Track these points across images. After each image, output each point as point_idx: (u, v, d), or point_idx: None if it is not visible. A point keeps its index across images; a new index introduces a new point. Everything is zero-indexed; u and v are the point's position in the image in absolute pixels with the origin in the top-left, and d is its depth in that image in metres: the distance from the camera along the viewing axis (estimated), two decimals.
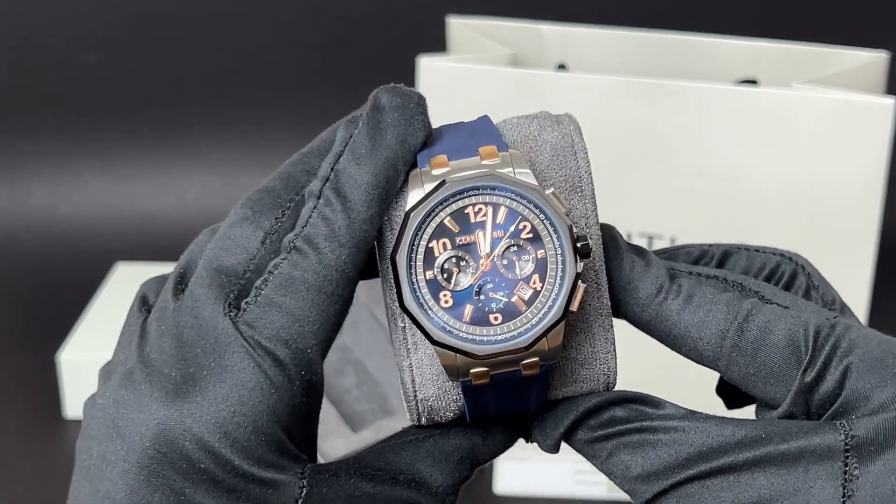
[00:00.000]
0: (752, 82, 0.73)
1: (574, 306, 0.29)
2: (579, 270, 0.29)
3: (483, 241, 0.30)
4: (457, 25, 0.76)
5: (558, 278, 0.29)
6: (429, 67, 0.69)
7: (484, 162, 0.30)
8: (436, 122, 0.32)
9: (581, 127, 0.33)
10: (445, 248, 0.29)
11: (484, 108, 0.69)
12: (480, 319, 0.29)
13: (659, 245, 0.69)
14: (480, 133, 0.31)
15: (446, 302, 0.29)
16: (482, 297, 0.29)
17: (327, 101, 1.04)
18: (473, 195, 0.30)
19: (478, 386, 0.29)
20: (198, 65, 1.04)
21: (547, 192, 0.30)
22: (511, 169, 0.30)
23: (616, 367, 0.32)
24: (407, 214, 0.29)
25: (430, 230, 0.29)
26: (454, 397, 0.31)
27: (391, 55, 0.97)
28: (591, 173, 0.33)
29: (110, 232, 1.01)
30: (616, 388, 0.32)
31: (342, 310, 0.30)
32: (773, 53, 0.73)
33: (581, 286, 0.29)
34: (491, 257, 0.30)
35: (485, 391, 0.30)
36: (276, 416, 0.28)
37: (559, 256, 0.29)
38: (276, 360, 0.28)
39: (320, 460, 0.30)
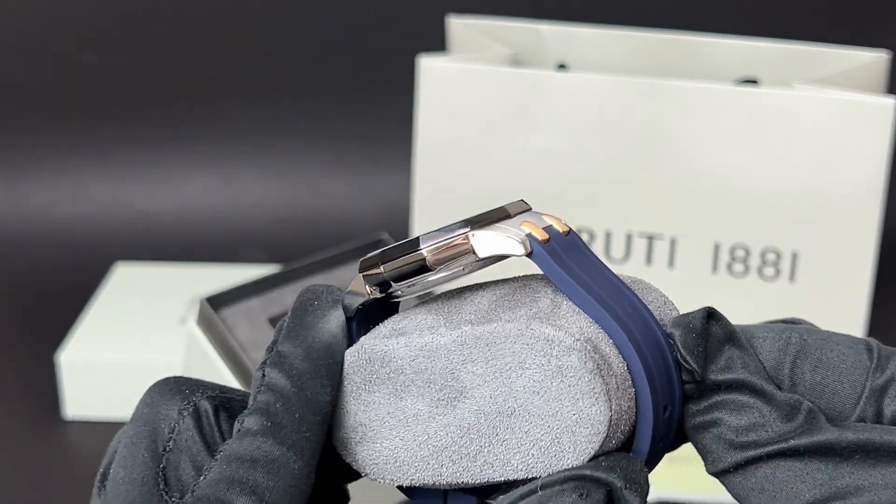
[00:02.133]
0: (753, 82, 0.73)
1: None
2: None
3: None
4: (457, 25, 0.76)
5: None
6: (429, 67, 0.69)
7: None
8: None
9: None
10: None
11: (484, 107, 0.69)
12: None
13: (659, 245, 0.69)
14: None
15: None
16: None
17: (327, 100, 1.04)
18: None
19: None
20: (198, 65, 1.04)
21: None
22: None
23: None
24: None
25: None
26: None
27: (391, 55, 0.98)
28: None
29: (110, 232, 1.01)
30: None
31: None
32: (774, 53, 0.73)
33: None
34: None
35: None
36: None
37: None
38: None
39: None
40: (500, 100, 0.68)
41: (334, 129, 1.04)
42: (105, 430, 0.74)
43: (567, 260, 0.28)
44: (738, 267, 0.68)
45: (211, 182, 1.04)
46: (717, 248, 0.68)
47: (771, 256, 0.67)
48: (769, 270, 0.67)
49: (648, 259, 0.69)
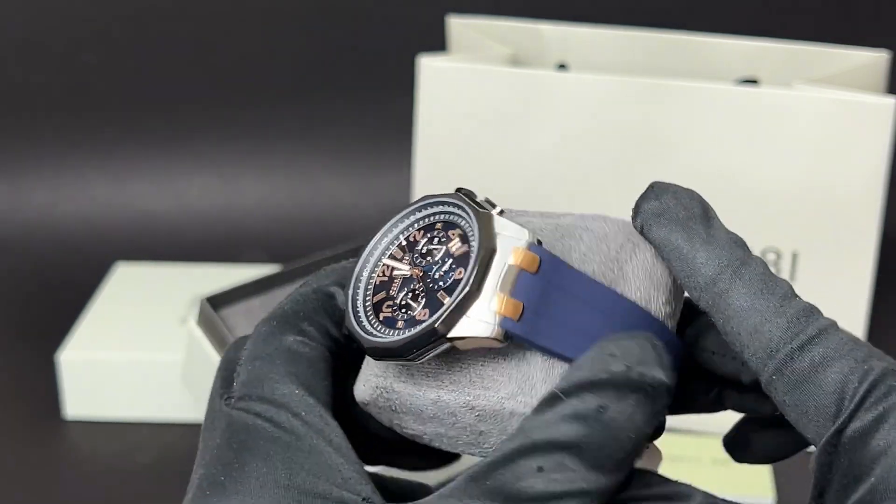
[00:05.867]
0: (753, 82, 0.73)
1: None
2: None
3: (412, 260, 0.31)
4: (457, 25, 0.76)
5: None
6: (429, 67, 0.69)
7: None
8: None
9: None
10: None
11: (484, 107, 0.69)
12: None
13: None
14: None
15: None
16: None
17: (327, 100, 1.04)
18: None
19: None
20: (198, 65, 1.04)
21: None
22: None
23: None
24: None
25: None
26: None
27: (391, 55, 0.97)
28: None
29: (110, 232, 1.01)
30: None
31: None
32: (774, 53, 0.73)
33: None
34: (420, 270, 0.30)
35: None
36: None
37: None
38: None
39: None
40: (500, 100, 0.68)
41: (334, 129, 1.04)
42: (105, 430, 0.74)
43: (544, 324, 0.28)
44: None
45: (211, 182, 1.04)
46: None
47: (771, 256, 0.67)
48: None
49: None
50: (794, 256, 0.67)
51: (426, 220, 0.31)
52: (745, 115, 0.66)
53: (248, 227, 1.02)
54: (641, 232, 0.30)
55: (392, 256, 0.31)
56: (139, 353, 0.74)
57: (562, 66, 0.76)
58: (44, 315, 0.89)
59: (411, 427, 0.31)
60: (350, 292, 0.30)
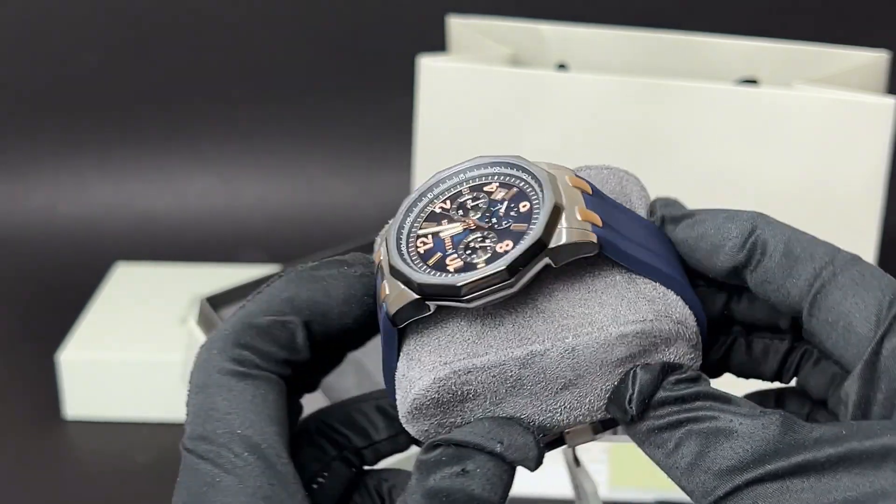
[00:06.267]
0: (753, 82, 0.73)
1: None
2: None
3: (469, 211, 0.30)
4: (457, 25, 0.76)
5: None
6: (429, 67, 0.69)
7: None
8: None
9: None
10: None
11: (484, 107, 0.69)
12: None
13: None
14: None
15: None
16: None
17: (327, 100, 1.04)
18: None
19: None
20: (198, 65, 1.04)
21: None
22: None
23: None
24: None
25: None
26: None
27: (391, 55, 0.97)
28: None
29: (110, 232, 1.01)
30: None
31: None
32: (774, 53, 0.73)
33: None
34: (475, 220, 0.29)
35: None
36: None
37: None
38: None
39: None
40: (500, 100, 0.68)
41: (334, 129, 1.04)
42: (105, 430, 0.75)
43: (623, 233, 0.29)
44: None
45: (211, 182, 1.04)
46: None
47: None
48: None
49: None
50: None
51: (449, 191, 0.31)
52: (745, 115, 0.66)
53: (248, 227, 1.02)
54: None
55: (424, 227, 0.30)
56: (139, 353, 0.74)
57: (562, 66, 0.76)
58: (44, 315, 0.89)
59: (483, 413, 0.28)
60: (400, 263, 0.29)
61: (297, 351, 0.30)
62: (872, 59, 0.70)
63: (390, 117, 0.97)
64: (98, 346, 0.75)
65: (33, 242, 1.00)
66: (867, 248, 0.66)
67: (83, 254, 0.99)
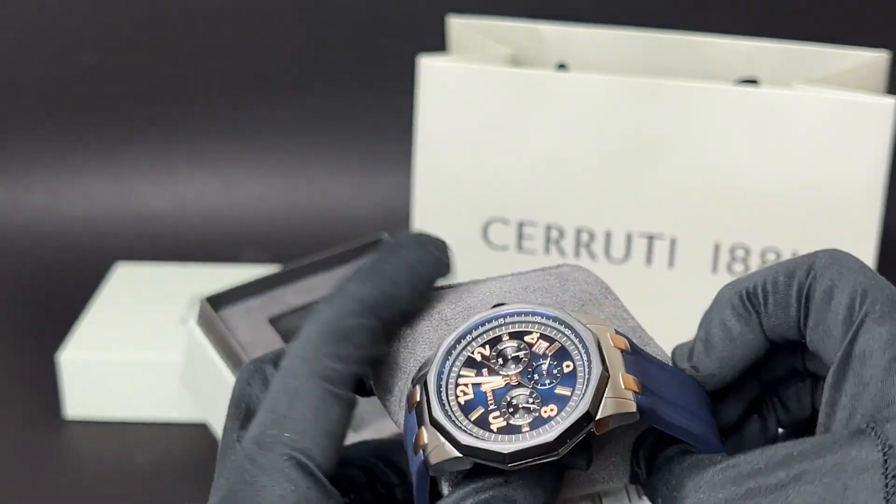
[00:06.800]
0: (753, 82, 0.73)
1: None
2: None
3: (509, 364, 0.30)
4: (457, 25, 0.76)
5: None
6: (429, 67, 0.69)
7: None
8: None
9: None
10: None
11: (484, 107, 0.69)
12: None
13: (659, 245, 0.69)
14: None
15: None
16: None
17: (327, 100, 1.04)
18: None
19: None
20: (198, 64, 1.04)
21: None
22: None
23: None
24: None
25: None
26: None
27: (391, 55, 0.97)
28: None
29: (110, 232, 1.01)
30: None
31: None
32: (774, 53, 0.73)
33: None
34: (517, 375, 0.30)
35: None
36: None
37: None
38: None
39: None
40: (500, 100, 0.68)
41: (334, 129, 1.04)
42: (105, 430, 0.74)
43: (659, 394, 0.30)
44: (738, 267, 0.68)
45: (211, 182, 1.04)
46: (717, 248, 0.68)
47: (771, 256, 0.67)
48: None
49: (648, 259, 0.69)
50: (795, 256, 0.67)
51: (488, 334, 0.31)
52: (745, 115, 0.66)
53: (248, 227, 1.02)
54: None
55: (463, 376, 0.30)
56: (139, 353, 0.74)
57: (562, 66, 0.76)
58: (44, 315, 0.89)
59: None
60: (440, 418, 0.29)
61: (378, 347, 0.31)
62: (872, 59, 0.70)
63: (390, 117, 0.97)
64: (98, 347, 0.75)
65: (33, 242, 1.00)
66: (867, 248, 0.66)
67: (83, 254, 0.99)
